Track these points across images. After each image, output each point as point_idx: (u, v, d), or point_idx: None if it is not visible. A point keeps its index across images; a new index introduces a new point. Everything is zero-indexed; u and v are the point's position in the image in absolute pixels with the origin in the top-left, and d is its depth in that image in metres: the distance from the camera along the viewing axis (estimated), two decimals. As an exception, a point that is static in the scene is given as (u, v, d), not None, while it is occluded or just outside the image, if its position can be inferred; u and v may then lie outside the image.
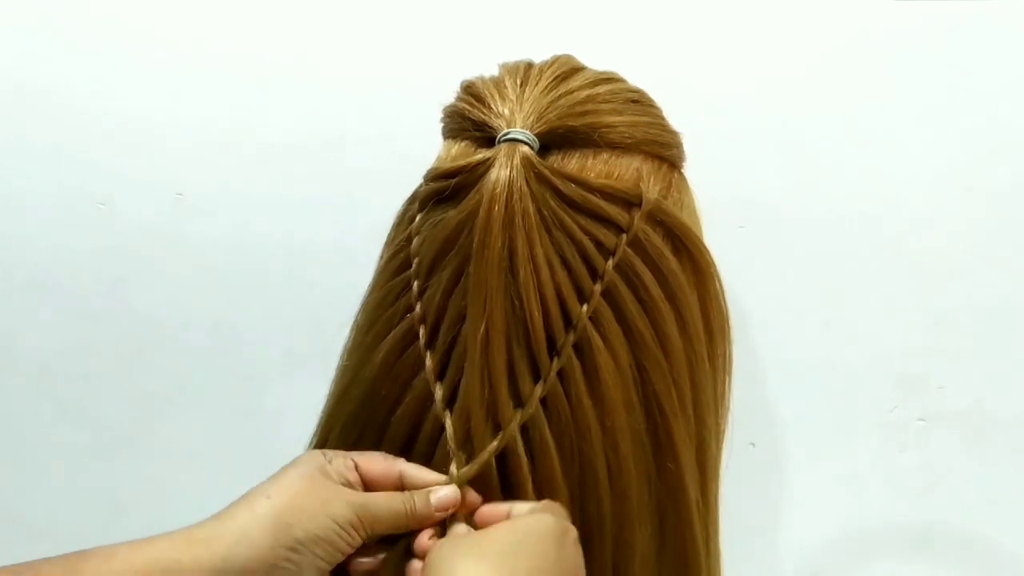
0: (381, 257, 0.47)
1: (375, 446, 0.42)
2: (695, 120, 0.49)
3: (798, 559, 0.71)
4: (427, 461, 0.41)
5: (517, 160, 0.39)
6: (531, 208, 0.39)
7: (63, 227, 0.72)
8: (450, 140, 0.46)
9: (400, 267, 0.44)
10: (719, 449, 0.47)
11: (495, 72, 0.47)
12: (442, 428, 0.40)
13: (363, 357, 0.44)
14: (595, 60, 0.47)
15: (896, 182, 0.68)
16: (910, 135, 0.68)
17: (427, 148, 0.48)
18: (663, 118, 0.47)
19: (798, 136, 0.68)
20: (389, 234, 0.47)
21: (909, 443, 0.70)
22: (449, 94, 0.48)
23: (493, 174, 0.39)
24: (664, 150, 0.45)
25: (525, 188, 0.39)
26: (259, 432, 0.73)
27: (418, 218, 0.44)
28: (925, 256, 0.68)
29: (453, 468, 0.40)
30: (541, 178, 0.40)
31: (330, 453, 0.41)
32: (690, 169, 0.48)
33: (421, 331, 0.42)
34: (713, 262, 0.45)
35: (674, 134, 0.47)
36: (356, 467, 0.41)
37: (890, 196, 0.68)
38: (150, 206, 0.72)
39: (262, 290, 0.72)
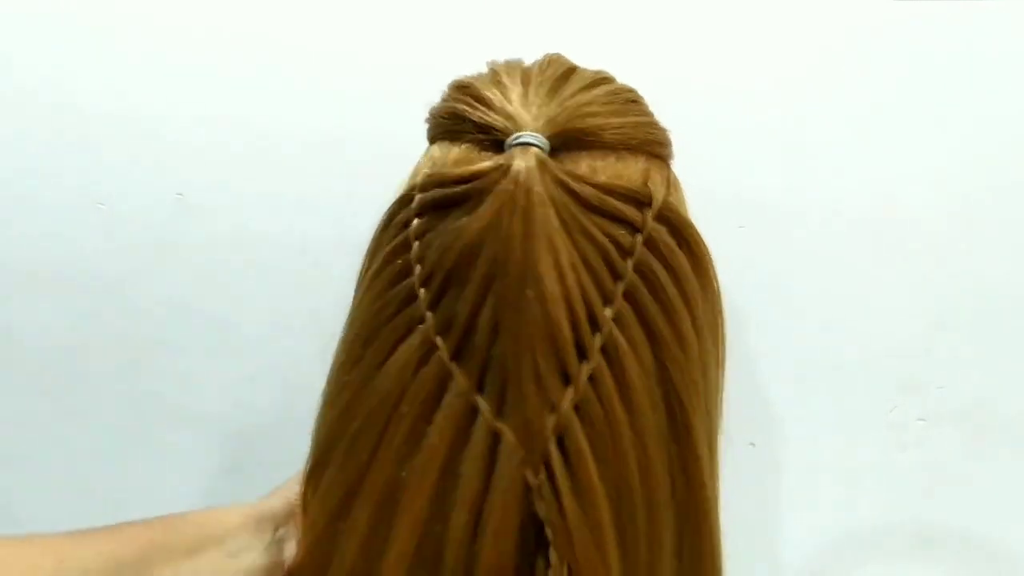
0: (368, 265, 0.45)
1: (398, 463, 0.41)
2: (694, 119, 0.50)
3: (798, 559, 0.71)
4: (486, 477, 0.40)
5: (534, 164, 0.39)
6: (551, 213, 0.39)
7: (63, 227, 0.72)
8: (446, 143, 0.45)
9: (399, 275, 0.43)
10: (719, 445, 0.47)
11: (483, 71, 0.47)
12: (495, 441, 0.39)
13: (368, 372, 0.42)
14: (595, 59, 0.47)
15: (896, 182, 0.68)
16: (910, 135, 0.68)
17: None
18: (654, 116, 0.47)
19: (798, 136, 0.68)
20: (375, 240, 0.45)
21: (909, 443, 0.70)
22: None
23: (510, 179, 0.39)
24: (662, 148, 0.46)
25: (544, 193, 0.39)
26: (259, 432, 0.73)
27: (416, 222, 0.43)
28: (925, 256, 0.68)
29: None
30: (558, 182, 0.40)
31: None
32: (690, 169, 0.48)
33: (440, 342, 0.41)
34: (709, 253, 0.45)
35: (665, 131, 0.47)
36: None
37: (890, 196, 0.68)
38: (150, 206, 0.72)
39: (262, 290, 0.72)
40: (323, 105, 0.70)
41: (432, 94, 0.48)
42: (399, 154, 0.48)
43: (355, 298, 0.46)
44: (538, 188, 0.38)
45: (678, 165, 0.48)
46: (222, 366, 0.73)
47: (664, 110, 0.48)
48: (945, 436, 0.70)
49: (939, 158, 0.68)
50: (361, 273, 0.46)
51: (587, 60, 0.47)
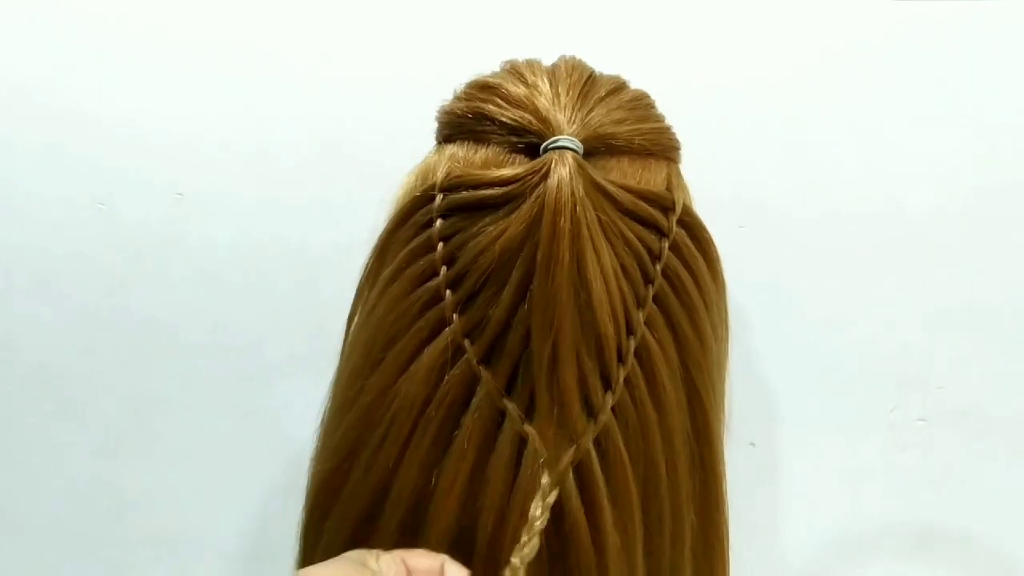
0: (379, 265, 0.45)
1: (426, 470, 0.41)
2: (696, 119, 0.50)
3: (798, 559, 0.71)
4: (511, 481, 0.40)
5: (573, 169, 0.39)
6: (593, 218, 0.39)
7: (63, 227, 0.72)
8: (468, 143, 0.44)
9: (422, 276, 0.42)
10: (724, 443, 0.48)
11: (494, 71, 0.46)
12: (521, 445, 0.39)
13: (390, 376, 0.42)
14: (595, 59, 0.47)
15: (896, 182, 0.68)
16: (910, 135, 0.68)
17: (427, 149, 0.48)
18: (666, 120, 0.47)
19: (798, 136, 0.68)
20: (386, 240, 0.44)
21: (909, 443, 0.70)
22: (447, 94, 0.47)
23: (552, 183, 0.38)
24: (676, 153, 0.46)
25: (586, 199, 0.39)
26: (259, 432, 0.73)
27: (440, 223, 0.42)
28: (925, 256, 0.68)
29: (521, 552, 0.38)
30: (598, 187, 0.40)
31: (376, 551, 0.38)
32: (691, 169, 0.48)
33: (467, 345, 0.41)
34: (719, 255, 0.45)
35: (677, 135, 0.47)
36: (404, 561, 0.38)
37: (890, 196, 0.68)
38: (150, 206, 0.72)
39: (262, 290, 0.72)
40: (323, 106, 0.70)
41: (432, 95, 0.47)
42: (399, 154, 0.48)
43: (364, 298, 0.45)
44: (581, 192, 0.38)
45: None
46: (222, 366, 0.73)
47: (664, 110, 0.48)
48: (945, 436, 0.70)
49: (939, 158, 0.68)
50: (368, 272, 0.46)
51: (589, 61, 0.47)
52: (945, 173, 0.68)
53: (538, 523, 0.39)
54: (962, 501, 0.70)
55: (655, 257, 0.42)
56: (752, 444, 0.70)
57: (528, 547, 0.38)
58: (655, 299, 0.41)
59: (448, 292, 0.41)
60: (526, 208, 0.39)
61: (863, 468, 0.70)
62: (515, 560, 0.38)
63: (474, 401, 0.40)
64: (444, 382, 0.41)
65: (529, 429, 0.39)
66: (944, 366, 0.69)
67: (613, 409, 0.40)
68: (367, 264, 0.46)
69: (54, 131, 0.71)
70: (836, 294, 0.69)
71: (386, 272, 0.43)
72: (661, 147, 0.45)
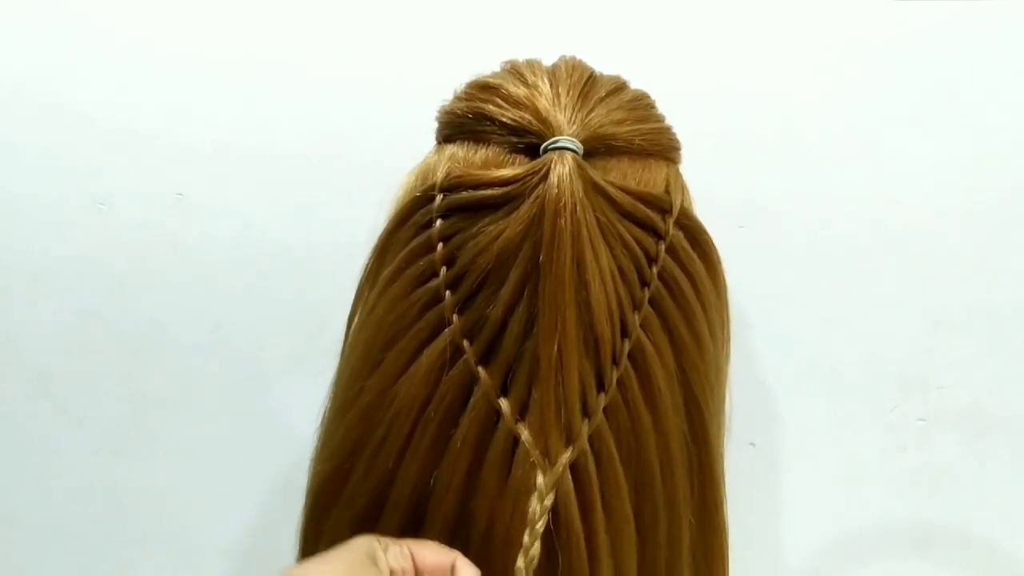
0: (379, 266, 0.45)
1: (425, 470, 0.41)
2: (695, 120, 0.50)
3: (798, 559, 0.71)
4: (503, 480, 0.40)
5: (572, 169, 0.39)
6: (592, 219, 0.39)
7: (63, 227, 0.72)
8: (468, 143, 0.44)
9: (421, 277, 0.42)
10: (723, 444, 0.48)
11: (494, 71, 0.46)
12: (514, 444, 0.40)
13: (390, 377, 0.42)
14: (595, 59, 0.47)
15: (896, 182, 0.68)
16: (910, 135, 0.68)
17: (427, 149, 0.48)
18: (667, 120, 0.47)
19: (798, 136, 0.68)
20: (386, 240, 0.45)
21: (909, 443, 0.70)
22: (447, 94, 0.47)
23: (552, 184, 0.38)
24: (676, 154, 0.46)
25: (585, 200, 0.39)
26: (259, 432, 0.73)
27: (440, 224, 0.42)
28: (925, 256, 0.68)
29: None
30: (597, 188, 0.40)
31: (385, 540, 0.39)
32: (691, 169, 0.48)
33: (466, 345, 0.41)
34: (720, 257, 0.45)
35: (678, 136, 0.47)
36: (412, 556, 0.38)
37: (890, 196, 0.68)
38: (150, 206, 0.72)
39: (262, 290, 0.72)
40: (323, 106, 0.70)
41: (433, 95, 0.47)
42: (399, 154, 0.48)
43: (364, 298, 0.45)
44: (580, 193, 0.39)
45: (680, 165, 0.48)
46: (222, 366, 0.73)
47: (664, 110, 0.48)
48: (945, 436, 0.70)
49: (939, 158, 0.68)
50: (368, 272, 0.46)
51: (590, 62, 0.47)
52: (945, 173, 0.68)
53: (539, 525, 0.39)
54: (962, 501, 0.70)
55: (651, 260, 0.42)
56: (752, 444, 0.70)
57: (533, 549, 0.39)
58: (651, 302, 0.41)
59: (447, 293, 0.41)
60: (525, 209, 0.39)
61: (863, 468, 0.70)
62: (520, 564, 0.39)
63: (471, 401, 0.40)
64: (443, 383, 0.41)
65: (521, 428, 0.39)
66: (944, 366, 0.69)
67: (605, 410, 0.40)
68: (367, 264, 0.46)
69: (54, 131, 0.71)
70: (836, 294, 0.69)
71: (386, 272, 0.43)
72: (661, 147, 0.45)
